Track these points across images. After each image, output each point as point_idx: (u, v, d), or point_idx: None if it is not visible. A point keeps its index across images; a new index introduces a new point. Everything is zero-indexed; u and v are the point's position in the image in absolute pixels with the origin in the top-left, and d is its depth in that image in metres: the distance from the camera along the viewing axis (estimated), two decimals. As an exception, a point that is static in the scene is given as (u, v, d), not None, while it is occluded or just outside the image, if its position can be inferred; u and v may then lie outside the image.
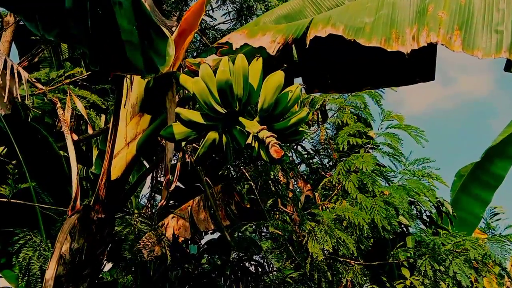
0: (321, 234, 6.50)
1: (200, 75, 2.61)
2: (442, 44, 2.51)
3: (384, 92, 8.33)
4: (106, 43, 2.37)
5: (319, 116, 8.24)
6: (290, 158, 8.21)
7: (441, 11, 2.55)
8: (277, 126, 2.56)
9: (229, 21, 8.93)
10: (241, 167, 7.10)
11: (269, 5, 8.09)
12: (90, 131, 4.42)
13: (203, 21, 8.76)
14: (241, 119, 2.57)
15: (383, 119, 7.67)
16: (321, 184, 7.83)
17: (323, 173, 8.56)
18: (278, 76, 2.49)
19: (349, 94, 8.28)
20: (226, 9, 8.97)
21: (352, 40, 2.69)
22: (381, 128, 7.63)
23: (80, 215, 3.24)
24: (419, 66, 3.16)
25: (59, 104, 4.07)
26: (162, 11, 7.35)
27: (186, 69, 3.20)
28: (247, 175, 7.13)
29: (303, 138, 8.22)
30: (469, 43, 2.44)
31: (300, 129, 2.63)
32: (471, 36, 2.46)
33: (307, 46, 2.78)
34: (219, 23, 9.06)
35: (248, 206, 7.60)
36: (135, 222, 6.19)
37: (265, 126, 2.33)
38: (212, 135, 2.68)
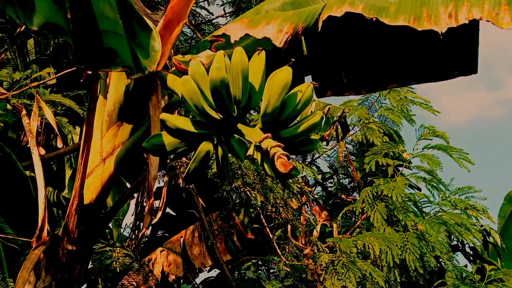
0: (341, 268, 6.40)
1: (189, 74, 2.57)
2: (488, 21, 2.49)
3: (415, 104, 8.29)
4: (89, 35, 2.35)
5: (339, 129, 8.18)
6: (303, 179, 8.15)
7: (484, -15, 2.53)
8: (284, 134, 2.52)
9: (228, 14, 8.97)
10: (245, 189, 7.05)
11: None
12: (60, 144, 4.38)
13: (198, 15, 8.82)
14: (240, 126, 2.54)
15: (420, 137, 7.57)
16: (341, 214, 7.75)
17: (343, 196, 8.49)
18: (284, 74, 2.45)
19: (374, 104, 8.27)
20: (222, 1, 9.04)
21: (374, 19, 2.67)
22: (417, 149, 7.54)
23: (47, 247, 3.20)
24: (457, 55, 3.12)
25: (24, 112, 4.05)
26: (147, 2, 7.39)
27: (174, 68, 3.17)
28: (254, 198, 7.07)
29: (317, 151, 8.17)
30: (520, 19, 2.42)
31: (312, 137, 2.58)
32: None
33: (319, 29, 2.74)
34: (216, 17, 9.10)
35: (253, 237, 7.54)
36: (117, 257, 6.14)
37: (269, 134, 2.28)
38: (206, 146, 2.64)
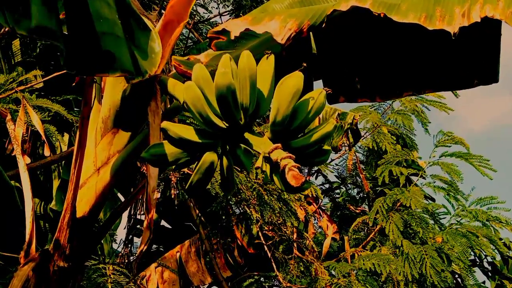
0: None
1: (193, 79, 2.57)
2: (501, 19, 2.49)
3: (430, 109, 8.31)
4: (84, 37, 2.34)
5: (349, 136, 8.18)
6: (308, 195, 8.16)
7: (501, -15, 2.55)
8: (295, 144, 2.51)
9: (228, 13, 8.99)
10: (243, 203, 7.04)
11: None
12: (47, 152, 4.37)
13: (195, 13, 8.83)
14: (247, 135, 2.53)
15: (438, 143, 7.56)
16: (352, 226, 7.74)
17: (351, 207, 8.49)
18: (295, 79, 2.44)
19: (387, 110, 8.28)
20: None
21: (382, 15, 2.68)
22: (434, 157, 7.52)
23: (36, 264, 3.18)
24: (477, 63, 3.13)
25: (9, 117, 4.04)
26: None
27: (174, 71, 3.17)
28: (250, 214, 7.07)
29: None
30: (535, 18, 2.45)
31: (325, 147, 2.58)
32: None
33: (323, 25, 2.75)
34: (215, 15, 9.11)
35: (255, 251, 7.52)
36: (109, 274, 6.13)
37: (279, 144, 2.28)
38: (210, 156, 2.63)
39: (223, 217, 7.66)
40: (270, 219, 6.94)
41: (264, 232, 7.22)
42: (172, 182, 7.13)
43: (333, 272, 6.95)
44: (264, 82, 2.55)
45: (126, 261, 7.81)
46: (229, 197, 7.09)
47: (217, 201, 7.24)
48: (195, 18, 8.79)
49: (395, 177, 7.55)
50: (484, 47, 3.12)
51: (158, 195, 7.41)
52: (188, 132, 2.63)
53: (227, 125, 2.57)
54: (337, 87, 3.44)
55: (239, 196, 6.87)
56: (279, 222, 7.08)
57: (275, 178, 2.36)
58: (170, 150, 2.71)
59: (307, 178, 8.20)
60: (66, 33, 2.28)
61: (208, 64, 3.01)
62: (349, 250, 7.22)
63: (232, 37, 2.95)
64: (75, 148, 3.13)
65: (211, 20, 9.18)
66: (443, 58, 3.24)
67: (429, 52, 3.19)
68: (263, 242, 7.19)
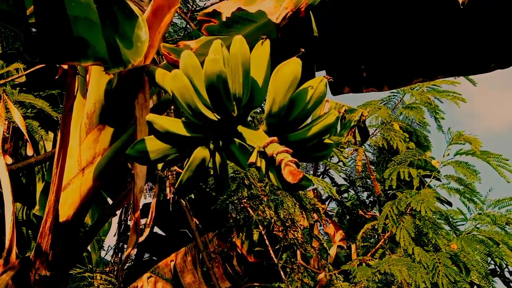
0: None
1: (181, 67, 2.55)
2: None
3: (443, 102, 8.29)
4: (54, 22, 2.32)
5: (356, 135, 8.16)
6: (315, 193, 8.14)
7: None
8: (292, 138, 2.49)
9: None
10: (247, 204, 7.03)
11: None
12: (30, 152, 4.36)
13: (191, 1, 8.81)
14: (240, 128, 2.51)
15: (451, 141, 7.54)
16: (361, 233, 7.72)
17: (361, 212, 8.47)
18: (292, 66, 2.42)
19: (397, 105, 8.28)
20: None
21: None
22: (448, 155, 7.51)
23: (16, 272, 3.19)
24: (494, 44, 3.11)
25: (-12, 114, 4.06)
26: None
27: (164, 62, 3.16)
28: (262, 212, 7.05)
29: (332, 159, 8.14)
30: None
31: (327, 141, 2.56)
32: None
33: None
34: (212, 4, 9.10)
35: (256, 260, 7.53)
36: (97, 285, 6.15)
37: (275, 138, 2.26)
38: (201, 152, 2.61)
39: (229, 217, 7.66)
40: (284, 216, 6.90)
41: (274, 232, 7.20)
42: (168, 182, 7.13)
43: (336, 281, 6.91)
44: (258, 69, 2.53)
45: (116, 269, 7.80)
46: (234, 197, 7.06)
47: (220, 200, 7.21)
48: (191, 6, 8.78)
49: (409, 180, 7.52)
50: (502, 26, 3.09)
51: (157, 190, 7.39)
52: (176, 125, 2.60)
53: (218, 117, 2.55)
54: (342, 77, 3.43)
55: (250, 192, 6.84)
56: (287, 224, 7.06)
57: (271, 175, 2.34)
58: (158, 146, 2.69)
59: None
60: (32, 15, 2.25)
61: (199, 52, 3.00)
62: (355, 258, 7.19)
63: (224, 19, 2.94)
64: (57, 146, 3.12)
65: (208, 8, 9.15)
66: (457, 40, 3.22)
67: (441, 33, 3.17)
68: (269, 246, 7.18)
